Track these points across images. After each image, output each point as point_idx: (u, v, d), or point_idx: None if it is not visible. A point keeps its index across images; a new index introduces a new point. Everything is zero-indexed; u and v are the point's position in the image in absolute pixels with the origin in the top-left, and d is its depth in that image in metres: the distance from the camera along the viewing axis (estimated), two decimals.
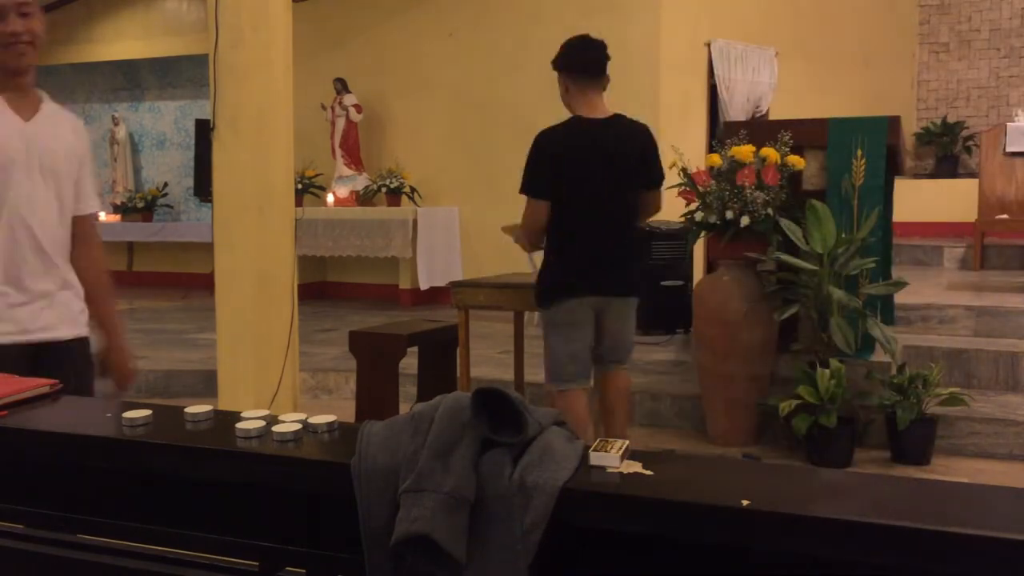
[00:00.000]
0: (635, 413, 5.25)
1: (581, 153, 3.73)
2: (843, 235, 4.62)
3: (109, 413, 1.51)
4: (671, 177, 4.98)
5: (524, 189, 3.78)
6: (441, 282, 8.21)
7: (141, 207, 10.77)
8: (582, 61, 3.81)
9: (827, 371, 4.35)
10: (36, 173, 2.49)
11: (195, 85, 10.53)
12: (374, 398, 4.49)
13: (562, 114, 3.88)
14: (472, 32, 8.61)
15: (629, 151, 3.79)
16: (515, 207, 3.93)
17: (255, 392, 4.58)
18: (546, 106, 8.09)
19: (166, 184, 10.96)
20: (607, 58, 3.84)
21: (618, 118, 3.83)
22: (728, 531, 1.10)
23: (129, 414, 1.45)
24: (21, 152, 2.45)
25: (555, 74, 3.90)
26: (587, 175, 3.72)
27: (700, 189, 4.71)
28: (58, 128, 2.58)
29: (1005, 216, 8.14)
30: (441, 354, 4.78)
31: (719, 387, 4.76)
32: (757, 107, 8.43)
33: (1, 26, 2.40)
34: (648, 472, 1.19)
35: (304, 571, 1.34)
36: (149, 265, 10.99)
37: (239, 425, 1.38)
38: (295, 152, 4.91)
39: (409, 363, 4.67)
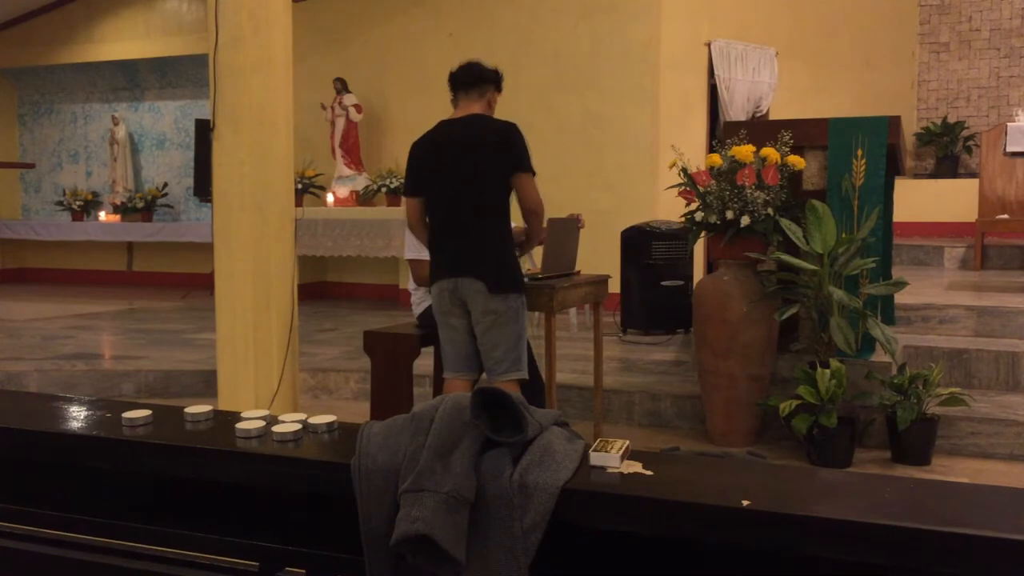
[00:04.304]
0: (635, 413, 5.26)
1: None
2: (843, 235, 4.62)
3: (109, 413, 1.51)
4: (671, 177, 5.00)
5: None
6: None
7: (141, 207, 10.76)
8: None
9: (827, 371, 4.35)
10: None
11: (195, 85, 10.52)
12: (389, 397, 4.50)
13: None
14: (472, 32, 8.61)
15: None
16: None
17: (255, 392, 4.58)
18: (546, 106, 8.12)
19: (166, 184, 10.95)
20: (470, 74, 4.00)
21: (475, 117, 3.93)
22: (728, 531, 1.10)
23: (129, 414, 1.45)
24: None
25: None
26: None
27: (700, 189, 4.71)
28: None
29: (1005, 216, 8.14)
30: None
31: (719, 387, 4.76)
32: (757, 107, 8.42)
33: None
34: (648, 472, 1.19)
35: (304, 571, 1.34)
36: (149, 265, 10.99)
37: (239, 425, 1.38)
38: (295, 152, 4.90)
39: (420, 363, 4.68)
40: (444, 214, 3.89)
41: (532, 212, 3.88)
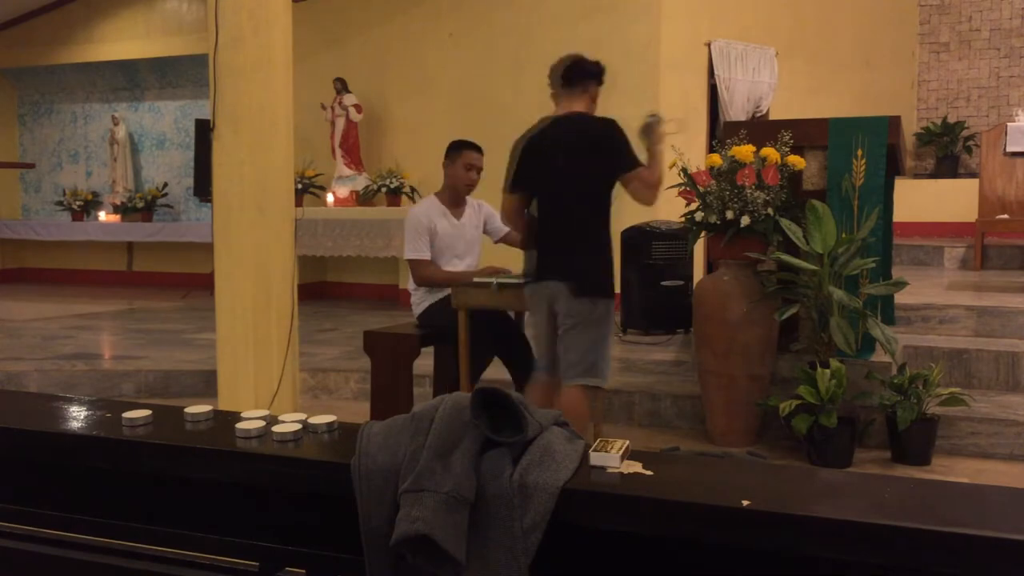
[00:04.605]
0: (635, 413, 5.26)
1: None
2: (843, 235, 4.62)
3: (109, 413, 1.51)
4: (671, 177, 5.00)
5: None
6: None
7: (141, 207, 10.76)
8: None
9: (827, 371, 4.34)
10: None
11: (195, 85, 10.52)
12: (389, 397, 4.50)
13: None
14: (472, 32, 8.61)
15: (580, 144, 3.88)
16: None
17: (255, 392, 4.57)
18: (546, 106, 8.11)
19: (166, 184, 10.95)
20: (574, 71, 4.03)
21: (578, 116, 3.92)
22: (728, 531, 1.10)
23: (129, 414, 1.45)
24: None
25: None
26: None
27: (700, 189, 4.71)
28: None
29: (1005, 216, 8.14)
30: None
31: (719, 387, 4.76)
32: (757, 107, 8.42)
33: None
34: (648, 472, 1.19)
35: (304, 571, 1.34)
36: (149, 265, 10.98)
37: (239, 425, 1.38)
38: (295, 152, 4.90)
39: (420, 363, 4.69)
40: (547, 215, 3.89)
41: (647, 201, 3.88)
